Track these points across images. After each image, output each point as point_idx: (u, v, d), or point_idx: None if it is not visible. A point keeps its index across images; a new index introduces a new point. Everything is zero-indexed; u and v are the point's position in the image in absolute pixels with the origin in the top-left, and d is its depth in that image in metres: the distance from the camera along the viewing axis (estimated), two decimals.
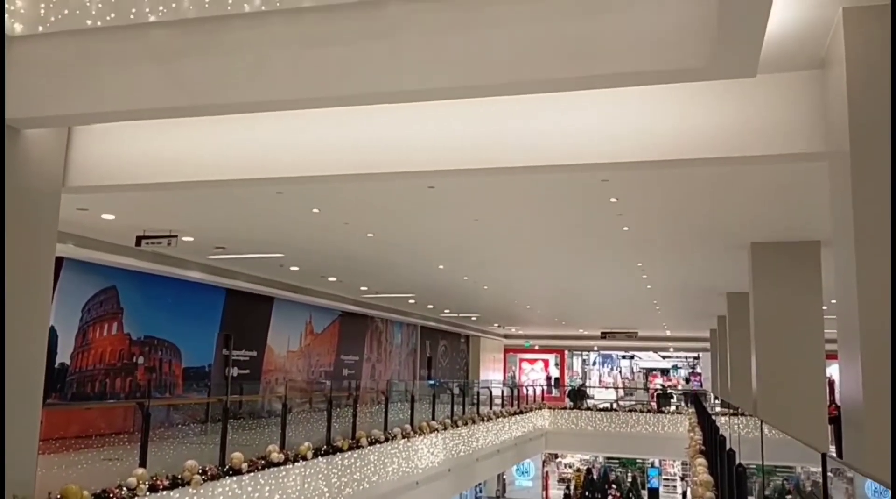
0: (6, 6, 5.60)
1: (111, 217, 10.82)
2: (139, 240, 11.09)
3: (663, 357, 45.79)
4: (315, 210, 10.68)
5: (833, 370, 13.68)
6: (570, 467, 33.07)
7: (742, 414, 12.56)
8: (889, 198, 4.31)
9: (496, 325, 38.17)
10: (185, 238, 12.34)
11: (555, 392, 37.44)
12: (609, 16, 4.51)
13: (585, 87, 4.96)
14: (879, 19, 4.46)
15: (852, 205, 4.47)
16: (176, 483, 7.80)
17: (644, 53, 4.42)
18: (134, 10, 5.41)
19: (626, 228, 11.49)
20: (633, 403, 29.14)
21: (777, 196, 9.30)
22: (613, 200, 9.56)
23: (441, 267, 16.78)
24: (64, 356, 13.52)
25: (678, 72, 4.44)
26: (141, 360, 15.40)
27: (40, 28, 5.62)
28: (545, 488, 32.54)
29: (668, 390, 32.39)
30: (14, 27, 5.65)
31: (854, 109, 4.51)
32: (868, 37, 4.51)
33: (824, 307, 11.70)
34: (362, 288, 21.11)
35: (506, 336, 43.50)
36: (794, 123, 5.46)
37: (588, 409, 26.73)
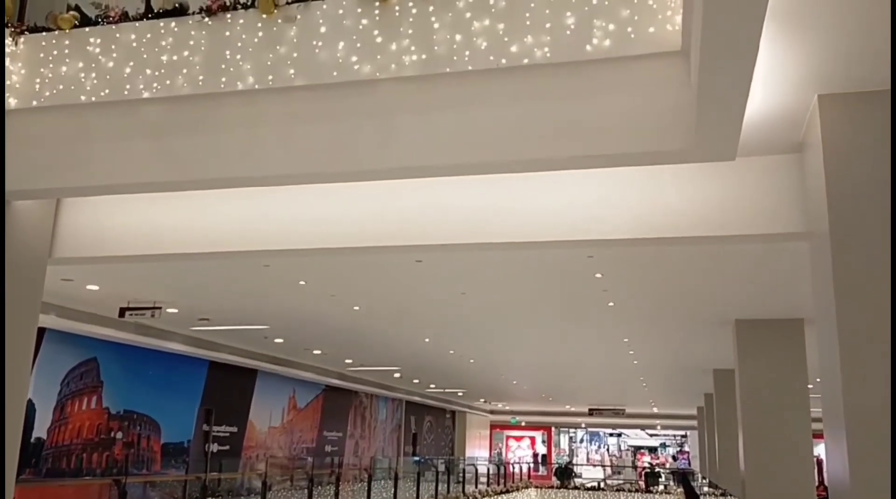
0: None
1: (96, 288, 10.76)
2: (123, 311, 11.02)
3: (651, 435, 45.26)
4: (302, 282, 10.68)
5: (821, 450, 13.55)
6: None
7: (730, 495, 12.37)
8: (869, 278, 4.37)
9: (482, 400, 37.71)
10: (169, 309, 12.26)
11: (542, 470, 36.76)
12: (590, 98, 4.66)
13: (567, 168, 5.07)
14: (853, 105, 4.62)
15: (833, 284, 4.53)
16: None
17: (625, 135, 4.54)
18: (128, 87, 5.53)
19: (611, 304, 11.53)
20: (622, 482, 28.62)
21: (760, 274, 9.40)
22: (599, 275, 9.63)
23: (427, 340, 16.69)
24: (41, 430, 13.21)
25: (658, 154, 4.56)
26: (119, 435, 15.06)
27: (34, 102, 5.73)
28: None
29: (657, 469, 31.89)
30: (8, 101, 5.75)
31: (832, 192, 4.62)
32: (843, 122, 4.66)
33: (810, 385, 11.68)
34: (347, 361, 20.90)
35: (492, 412, 42.92)
36: (775, 204, 5.57)
37: (575, 488, 26.22)
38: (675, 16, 4.47)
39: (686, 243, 6.09)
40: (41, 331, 11.85)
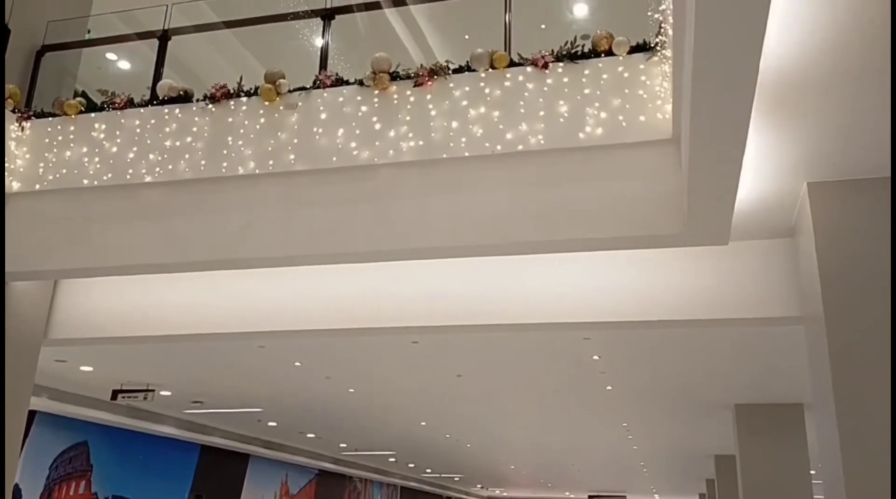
0: (6, 165, 5.80)
1: (89, 369, 10.66)
2: (115, 394, 10.88)
3: None
4: (297, 364, 10.59)
5: None
6: None
7: None
8: (866, 362, 4.37)
9: (479, 485, 36.81)
10: (162, 392, 12.11)
11: None
12: (584, 184, 4.76)
13: (561, 251, 5.13)
14: (843, 192, 4.71)
15: (830, 369, 4.51)
16: None
17: (618, 220, 4.62)
18: (131, 171, 5.63)
19: (609, 388, 11.41)
20: None
21: (757, 358, 9.35)
22: (596, 357, 9.57)
23: (423, 424, 16.43)
24: None
25: (650, 238, 4.62)
26: None
27: (37, 186, 5.82)
28: None
29: None
30: (11, 184, 5.84)
31: (825, 277, 4.66)
32: (833, 208, 4.74)
33: (812, 471, 11.46)
34: (341, 445, 20.50)
35: (489, 498, 41.85)
36: (768, 288, 5.61)
37: None
38: (666, 105, 4.62)
39: (680, 327, 6.09)
40: (31, 413, 11.67)
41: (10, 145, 5.87)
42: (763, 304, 5.63)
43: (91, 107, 5.95)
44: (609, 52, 4.92)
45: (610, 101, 4.75)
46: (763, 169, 4.61)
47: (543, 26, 6.88)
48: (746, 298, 5.66)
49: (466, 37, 7.53)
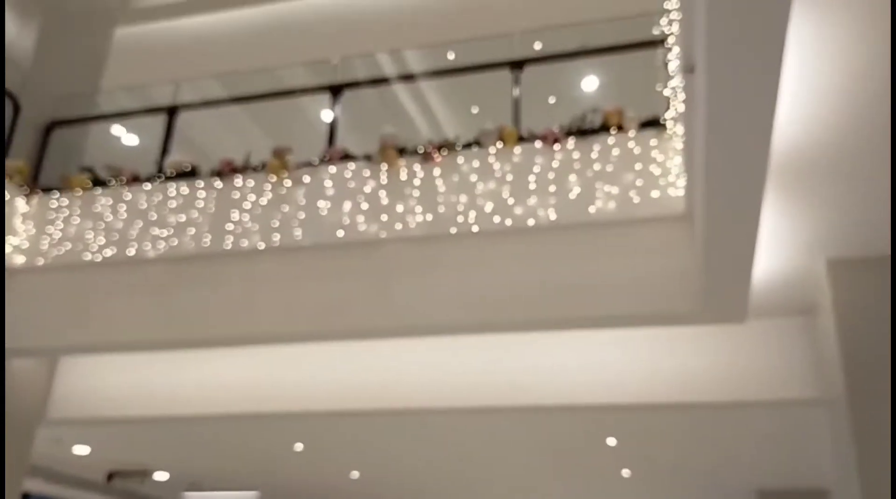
0: (6, 239, 5.75)
1: (86, 451, 10.38)
2: (111, 476, 10.56)
3: None
4: (298, 446, 10.30)
5: None
6: None
7: None
8: (891, 445, 4.15)
9: None
10: (158, 474, 11.78)
11: None
12: (596, 260, 4.64)
13: (572, 329, 4.98)
14: (862, 269, 4.58)
15: (855, 453, 4.29)
16: None
17: (631, 297, 4.49)
18: (134, 247, 5.56)
19: (625, 472, 11.04)
20: None
21: (779, 441, 9.03)
22: (612, 442, 9.27)
23: None
24: None
25: (665, 316, 4.48)
26: None
27: (40, 261, 5.74)
28: None
29: None
30: (14, 260, 5.77)
31: (846, 357, 4.48)
32: (853, 285, 4.60)
33: None
34: None
35: None
36: (787, 368, 5.41)
37: None
38: (678, 181, 4.54)
39: (699, 409, 5.88)
40: (24, 497, 11.32)
41: (16, 220, 5.83)
42: (782, 385, 5.42)
43: (97, 182, 5.93)
44: (619, 128, 4.88)
45: (621, 177, 4.68)
46: (780, 246, 4.49)
47: (553, 100, 6.91)
48: (764, 378, 5.46)
49: (475, 110, 7.58)
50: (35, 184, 6.03)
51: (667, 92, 4.47)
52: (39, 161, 6.26)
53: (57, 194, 5.95)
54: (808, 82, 3.28)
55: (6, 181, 5.81)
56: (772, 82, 2.70)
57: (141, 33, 7.61)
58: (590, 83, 6.65)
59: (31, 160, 6.19)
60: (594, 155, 4.84)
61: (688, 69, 3.41)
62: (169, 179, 5.75)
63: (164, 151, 6.01)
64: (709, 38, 2.61)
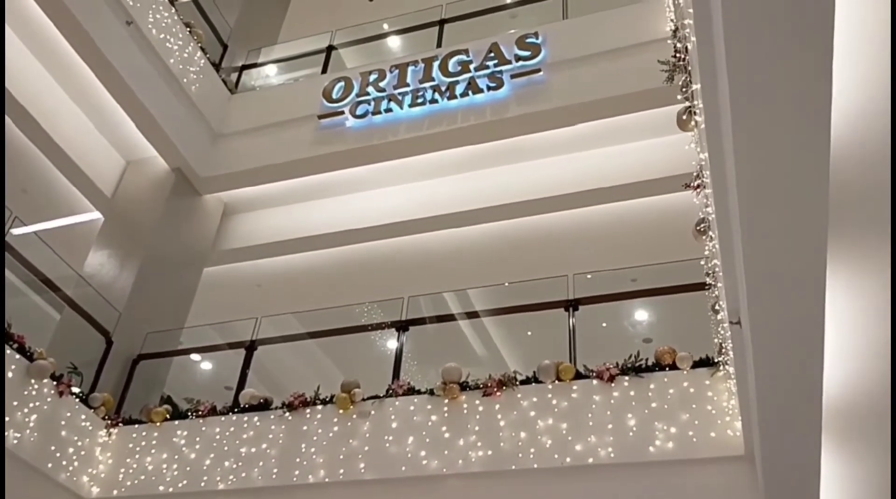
0: (89, 470, 5.99)
1: None
2: None
3: None
4: None
5: None
6: None
7: None
8: None
9: None
10: None
11: None
12: None
13: None
14: None
15: None
16: None
17: None
18: (205, 478, 5.74)
19: None
20: None
21: None
22: None
23: None
24: None
25: None
26: None
27: (115, 492, 5.94)
28: None
29: None
30: (91, 489, 5.97)
31: None
32: None
33: None
34: None
35: None
36: None
37: None
38: (735, 422, 4.61)
39: None
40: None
41: (95, 450, 6.10)
42: None
43: (175, 414, 6.24)
44: (673, 366, 5.05)
45: (678, 416, 4.78)
46: (844, 492, 4.42)
47: (604, 324, 7.13)
48: None
49: (529, 333, 7.80)
50: (117, 415, 6.36)
51: (717, 339, 4.64)
52: (124, 393, 6.63)
53: (136, 426, 6.24)
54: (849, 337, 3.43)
55: (93, 412, 6.16)
56: (818, 317, 2.78)
57: (224, 271, 8.26)
58: (640, 315, 6.91)
59: (115, 392, 6.57)
60: (650, 394, 4.98)
61: (734, 321, 3.62)
62: (243, 411, 6.03)
63: (241, 384, 6.34)
64: (748, 295, 2.80)
